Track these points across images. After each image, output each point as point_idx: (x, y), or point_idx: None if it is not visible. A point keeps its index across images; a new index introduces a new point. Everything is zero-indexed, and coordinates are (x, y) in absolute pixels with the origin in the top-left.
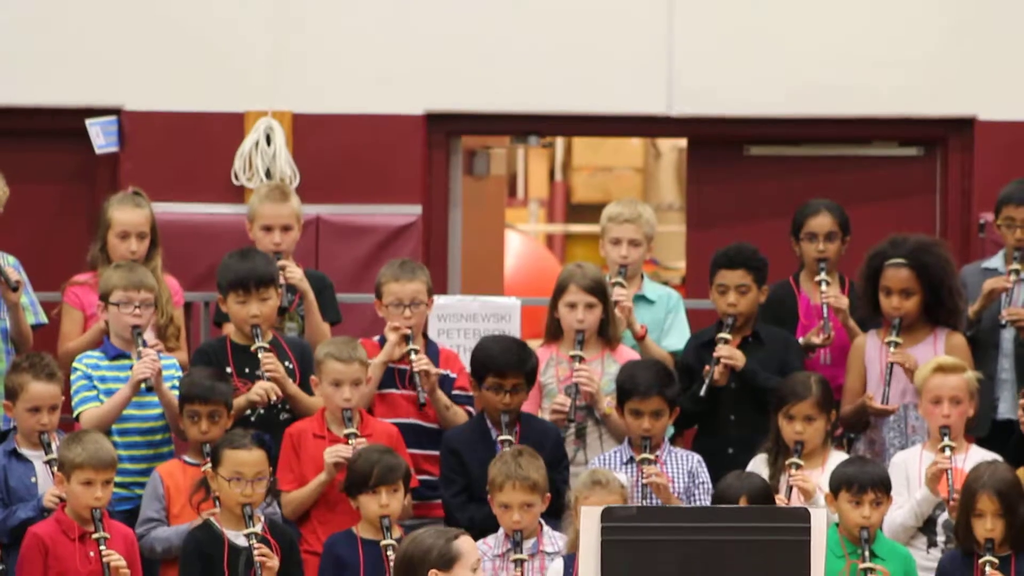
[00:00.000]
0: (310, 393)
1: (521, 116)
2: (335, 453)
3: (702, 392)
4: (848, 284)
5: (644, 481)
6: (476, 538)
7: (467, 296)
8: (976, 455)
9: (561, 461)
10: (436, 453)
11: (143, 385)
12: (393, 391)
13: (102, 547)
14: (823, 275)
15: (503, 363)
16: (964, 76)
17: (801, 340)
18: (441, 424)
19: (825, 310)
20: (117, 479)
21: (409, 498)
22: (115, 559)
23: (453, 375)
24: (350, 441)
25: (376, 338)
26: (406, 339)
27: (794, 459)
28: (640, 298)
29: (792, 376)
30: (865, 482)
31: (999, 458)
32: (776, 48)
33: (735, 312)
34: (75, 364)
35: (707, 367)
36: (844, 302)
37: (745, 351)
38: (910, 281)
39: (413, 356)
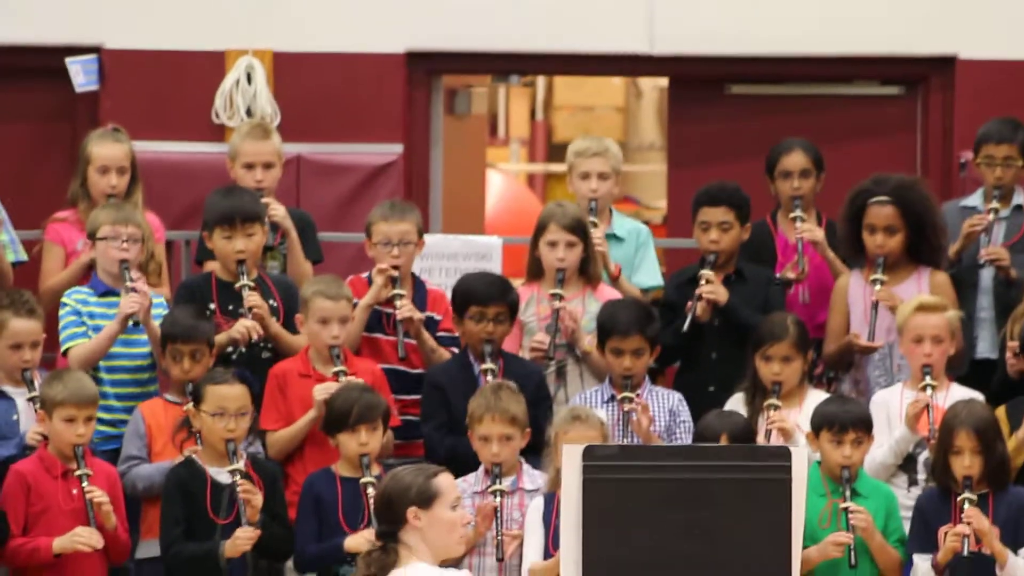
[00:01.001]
0: (293, 332)
1: (502, 55)
2: (325, 390)
3: (684, 327)
4: (825, 221)
5: (626, 408)
6: (456, 470)
7: (448, 235)
8: (957, 393)
9: (544, 399)
10: (420, 397)
11: (131, 321)
12: (380, 335)
13: (84, 484)
14: (798, 212)
15: (485, 294)
16: (945, 15)
17: (776, 275)
18: (427, 367)
19: (800, 245)
20: (104, 417)
21: (390, 436)
22: (97, 495)
23: (438, 317)
24: (340, 379)
25: (365, 275)
26: (393, 282)
27: (772, 400)
28: (611, 236)
29: (769, 317)
30: (846, 421)
31: (979, 396)
32: None
33: (717, 249)
34: (63, 299)
35: (689, 303)
36: (819, 233)
37: (727, 289)
38: (894, 218)
39: (397, 302)
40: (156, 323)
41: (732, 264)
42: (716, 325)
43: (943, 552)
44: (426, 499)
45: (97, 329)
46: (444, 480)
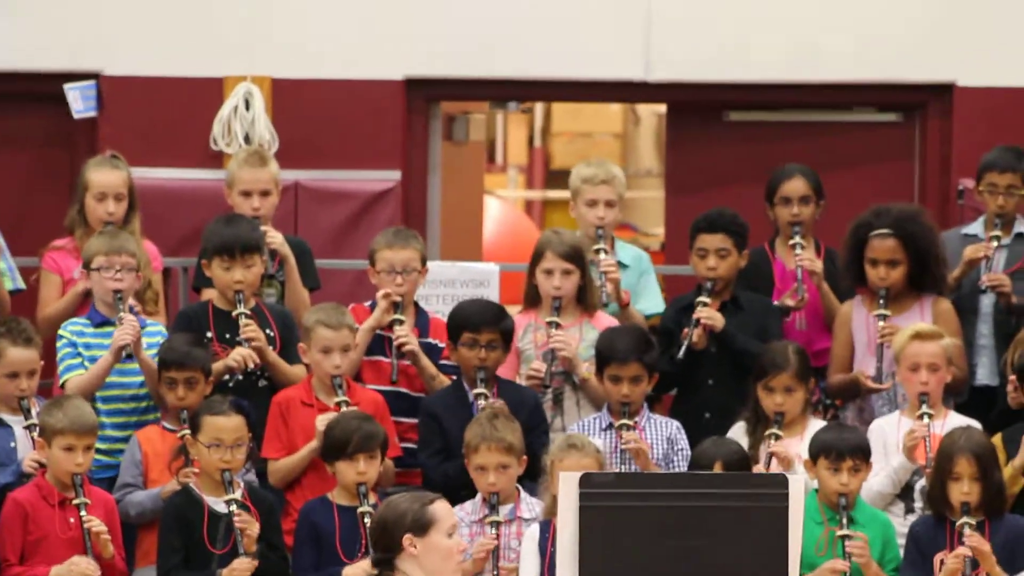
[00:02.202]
0: (290, 361)
1: (500, 82)
2: (327, 420)
3: (680, 354)
4: (824, 250)
5: (622, 446)
6: (452, 495)
7: (446, 262)
8: (954, 421)
9: (539, 425)
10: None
11: (124, 352)
12: (381, 358)
13: (83, 513)
14: (797, 238)
15: (478, 320)
16: (943, 42)
17: (776, 303)
18: (428, 393)
19: (799, 273)
20: (101, 446)
21: (390, 465)
22: (96, 525)
23: (441, 344)
24: (342, 409)
25: (368, 303)
26: (395, 307)
27: (774, 430)
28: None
29: (771, 347)
30: (844, 449)
31: (975, 423)
32: (755, 14)
33: (715, 276)
34: (60, 331)
35: (686, 329)
36: (818, 265)
37: (724, 316)
38: (896, 251)
39: (396, 327)
40: (147, 354)
41: (729, 291)
42: (713, 352)
43: (944, 575)
44: (422, 526)
45: (93, 360)
46: (440, 507)
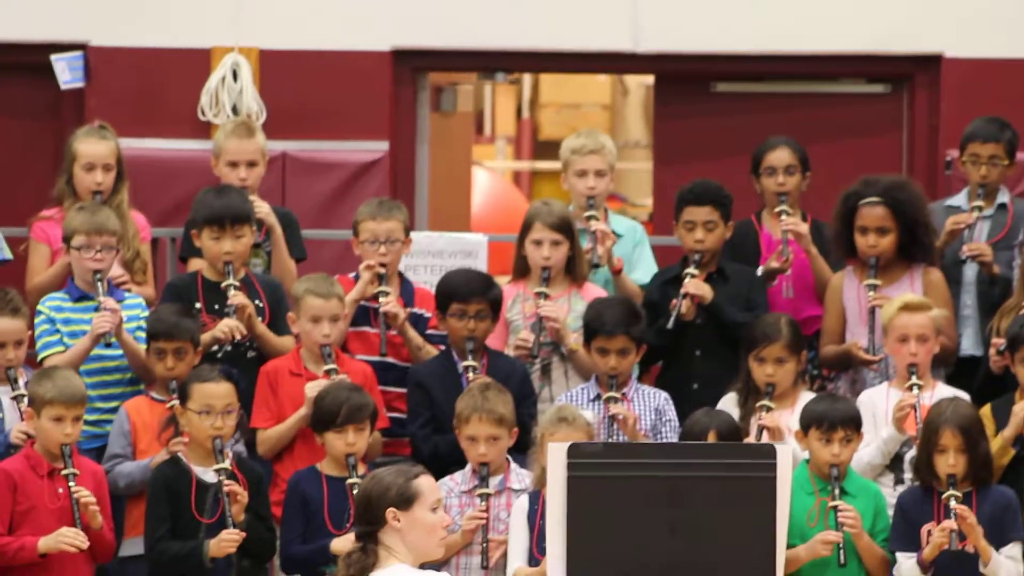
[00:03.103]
0: (278, 332)
1: (488, 52)
2: (317, 387)
3: (669, 325)
4: (810, 220)
5: (610, 413)
6: (442, 469)
7: (434, 232)
8: (942, 392)
9: (528, 396)
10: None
11: (103, 340)
12: (367, 329)
13: (71, 483)
14: (783, 207)
15: (466, 291)
16: (930, 13)
17: (761, 267)
18: (414, 363)
19: (785, 237)
20: (87, 416)
21: (378, 437)
22: (84, 495)
23: (428, 314)
24: (332, 377)
25: (352, 275)
26: (379, 278)
27: (764, 401)
28: None
29: (762, 318)
30: (835, 420)
31: (964, 395)
32: None
33: (702, 248)
34: (39, 307)
35: (674, 301)
36: (803, 227)
37: (710, 287)
38: (886, 219)
39: (382, 298)
40: (134, 326)
41: (714, 263)
42: (699, 323)
43: (930, 548)
44: (405, 500)
45: (72, 335)
46: (424, 482)
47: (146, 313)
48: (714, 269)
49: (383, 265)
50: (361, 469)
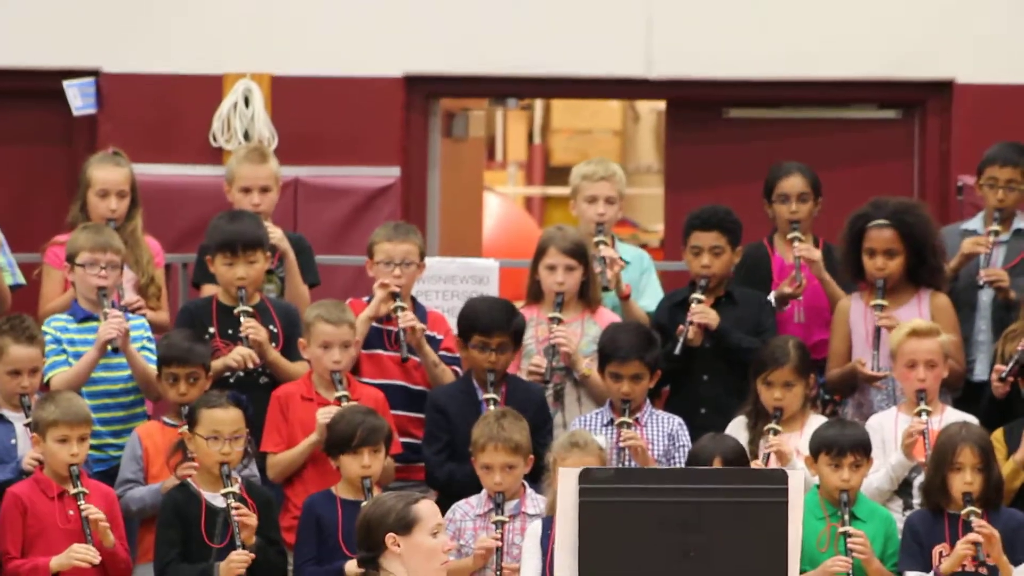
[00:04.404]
0: (292, 358)
1: (500, 78)
2: (328, 414)
3: (676, 350)
4: (822, 246)
5: (620, 444)
6: (455, 496)
7: (445, 258)
8: (951, 417)
9: (545, 424)
10: (421, 416)
11: (109, 347)
12: (380, 352)
13: (80, 502)
14: (796, 234)
15: (489, 322)
16: (942, 39)
17: (773, 293)
18: (429, 382)
19: (797, 263)
20: (92, 442)
21: (391, 462)
22: (93, 512)
23: (440, 336)
24: (342, 403)
25: (365, 298)
26: (393, 296)
27: (773, 424)
28: None
29: (770, 342)
30: (845, 445)
31: (972, 419)
32: (755, 10)
33: (708, 274)
34: (44, 328)
35: (681, 326)
36: (816, 254)
37: (718, 312)
38: (894, 241)
39: (399, 313)
40: (138, 348)
41: (723, 287)
42: (707, 348)
43: (952, 560)
44: (405, 525)
45: (78, 356)
46: (424, 507)
47: (149, 332)
48: (723, 293)
49: (398, 287)
50: (376, 492)
